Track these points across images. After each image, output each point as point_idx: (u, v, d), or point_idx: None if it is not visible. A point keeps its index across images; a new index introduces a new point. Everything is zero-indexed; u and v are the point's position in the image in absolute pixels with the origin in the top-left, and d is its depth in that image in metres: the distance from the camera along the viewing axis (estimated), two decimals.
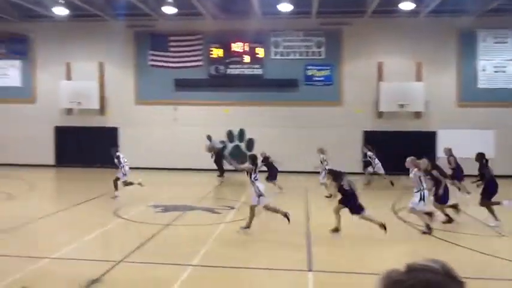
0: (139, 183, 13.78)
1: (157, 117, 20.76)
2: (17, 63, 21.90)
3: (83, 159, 20.78)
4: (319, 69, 20.25)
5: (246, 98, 20.28)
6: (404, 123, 19.79)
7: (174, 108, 20.65)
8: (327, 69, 20.23)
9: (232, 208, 12.46)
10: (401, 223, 10.74)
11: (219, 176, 18.04)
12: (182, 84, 20.53)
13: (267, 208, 9.84)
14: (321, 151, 14.87)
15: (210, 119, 20.50)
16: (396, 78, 19.53)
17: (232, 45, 20.40)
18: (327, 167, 13.39)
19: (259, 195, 9.65)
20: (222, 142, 19.50)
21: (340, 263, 7.90)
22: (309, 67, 20.26)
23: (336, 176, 9.75)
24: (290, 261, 7.81)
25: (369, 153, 16.33)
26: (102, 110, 21.20)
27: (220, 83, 20.39)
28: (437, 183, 10.44)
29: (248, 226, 9.71)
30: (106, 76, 21.29)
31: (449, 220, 10.51)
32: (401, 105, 19.28)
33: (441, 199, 10.44)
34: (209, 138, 18.74)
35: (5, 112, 21.63)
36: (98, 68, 21.25)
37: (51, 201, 14.65)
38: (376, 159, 16.14)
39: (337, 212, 9.54)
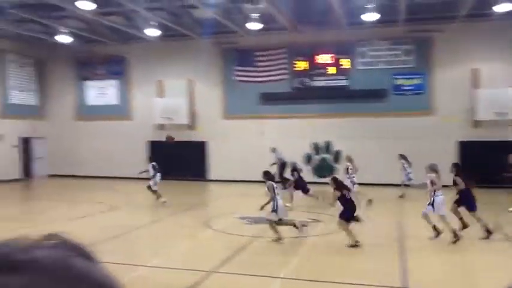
0: (164, 202, 14.46)
1: (244, 131, 21.16)
2: (115, 82, 23.55)
3: (174, 172, 21.67)
4: (408, 78, 19.55)
5: (332, 110, 20.07)
6: (504, 133, 18.42)
7: (260, 123, 20.88)
8: (417, 77, 19.47)
9: (319, 221, 12.30)
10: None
11: (283, 188, 18.03)
12: (268, 98, 20.79)
13: (271, 224, 9.73)
14: (348, 159, 14.74)
15: (295, 132, 20.52)
16: (493, 85, 18.30)
17: (317, 57, 20.35)
18: (353, 176, 13.67)
19: (273, 210, 9.61)
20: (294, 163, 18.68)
21: (437, 278, 7.47)
22: (397, 76, 19.62)
23: (338, 184, 9.81)
24: (381, 275, 7.52)
25: (402, 161, 15.94)
26: (191, 125, 22.06)
27: (305, 95, 20.38)
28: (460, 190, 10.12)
29: (279, 238, 9.58)
30: (195, 92, 22.17)
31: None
32: (500, 114, 17.99)
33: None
34: (273, 150, 18.79)
35: (105, 128, 23.28)
36: (188, 85, 22.19)
37: (146, 212, 15.39)
38: (408, 169, 15.54)
39: (455, 211, 9.85)
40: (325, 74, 20.31)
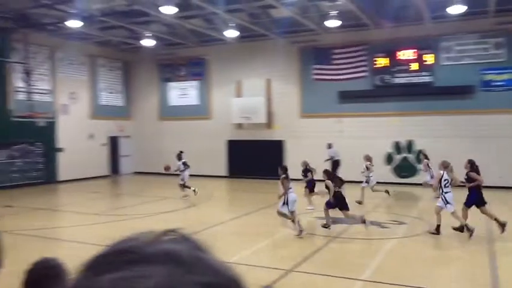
0: (194, 191, 15.84)
1: (322, 130, 20.95)
2: (196, 83, 24.32)
3: (251, 170, 21.96)
4: (498, 73, 18.29)
5: (414, 108, 19.29)
6: None
7: (338, 121, 20.64)
8: (508, 72, 18.17)
9: (403, 223, 11.86)
10: None
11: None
12: (346, 96, 20.42)
13: (281, 214, 10.69)
14: (367, 158, 15.25)
15: (375, 131, 19.98)
16: None
17: (398, 53, 19.64)
18: (370, 175, 14.71)
19: (284, 203, 10.47)
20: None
21: None
22: (486, 71, 18.42)
23: (330, 176, 11.10)
24: (472, 283, 7.10)
25: (425, 161, 16.05)
26: (269, 124, 22.23)
27: (386, 93, 19.75)
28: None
29: (301, 231, 10.17)
30: (272, 92, 22.31)
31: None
32: None
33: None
34: (329, 146, 18.85)
35: (186, 128, 24.12)
36: (265, 85, 22.38)
37: (226, 209, 15.74)
38: (431, 169, 15.22)
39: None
40: (407, 71, 19.56)
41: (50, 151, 21.15)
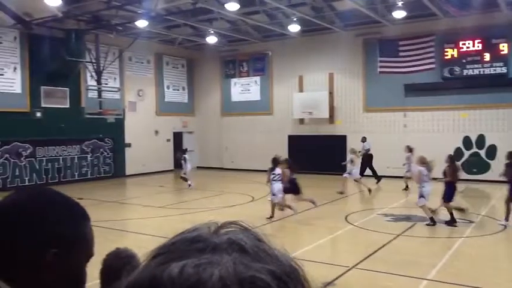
0: (190, 186, 17.36)
1: (386, 124, 20.38)
2: (258, 79, 24.42)
3: (313, 166, 21.72)
4: None
5: (487, 101, 18.23)
6: None
7: (403, 115, 19.99)
8: None
9: (471, 222, 11.26)
10: None
11: (377, 182, 17.86)
12: (412, 89, 19.68)
13: (278, 204, 11.75)
14: (352, 151, 16.18)
15: (443, 125, 19.14)
16: None
17: (469, 43, 18.64)
18: (354, 168, 15.75)
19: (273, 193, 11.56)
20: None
21: None
22: None
23: (289, 165, 12.17)
24: None
25: (407, 154, 16.20)
26: (331, 119, 21.91)
27: (456, 85, 18.78)
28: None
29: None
30: (335, 86, 21.95)
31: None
32: None
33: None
34: (364, 140, 18.83)
35: (248, 123, 24.31)
36: (328, 79, 22.06)
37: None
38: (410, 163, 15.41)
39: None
40: (478, 62, 18.50)
41: (118, 146, 22.08)
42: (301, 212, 12.02)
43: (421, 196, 10.60)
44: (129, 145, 22.49)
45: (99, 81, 20.58)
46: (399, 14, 17.44)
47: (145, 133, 23.25)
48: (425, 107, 19.50)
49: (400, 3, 16.83)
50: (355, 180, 16.08)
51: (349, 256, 8.47)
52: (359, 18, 19.15)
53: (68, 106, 20.05)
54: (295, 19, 19.15)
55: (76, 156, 20.48)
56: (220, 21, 20.48)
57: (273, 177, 11.52)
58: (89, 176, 20.82)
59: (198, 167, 25.75)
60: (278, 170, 11.59)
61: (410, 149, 16.00)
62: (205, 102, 26.36)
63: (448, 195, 10.73)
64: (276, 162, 11.83)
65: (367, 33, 20.65)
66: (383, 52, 20.38)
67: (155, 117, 24.12)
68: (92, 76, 20.61)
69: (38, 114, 18.90)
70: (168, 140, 24.83)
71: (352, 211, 12.87)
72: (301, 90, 22.73)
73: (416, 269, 7.48)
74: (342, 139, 21.38)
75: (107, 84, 21.28)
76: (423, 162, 10.87)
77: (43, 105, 19.12)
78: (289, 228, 11.25)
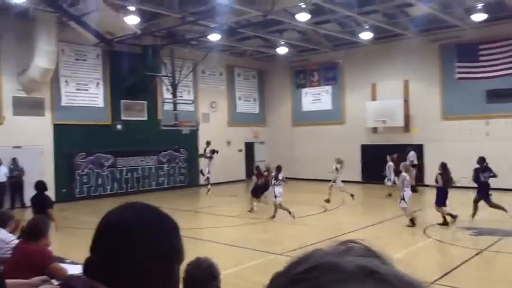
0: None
1: (466, 133, 19.35)
2: (329, 88, 24.20)
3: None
4: None
5: None
6: None
7: (486, 123, 18.90)
8: None
9: None
10: None
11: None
12: (495, 95, 18.57)
13: (279, 207, 13.09)
14: (338, 161, 16.64)
15: None
16: None
17: None
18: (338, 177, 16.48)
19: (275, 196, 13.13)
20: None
21: None
22: None
23: (258, 172, 15.39)
24: None
25: (390, 163, 16.85)
26: (406, 127, 21.18)
27: None
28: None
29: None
30: (410, 93, 21.23)
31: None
32: None
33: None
34: (409, 150, 18.99)
35: (319, 133, 24.09)
36: (403, 86, 21.39)
37: (361, 215, 15.30)
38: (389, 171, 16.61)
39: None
40: None
41: (193, 157, 22.70)
42: (373, 224, 11.64)
43: (403, 199, 11.77)
44: (203, 156, 22.96)
45: (174, 94, 21.34)
46: (479, 17, 16.61)
47: (218, 144, 23.69)
48: (510, 114, 18.32)
49: (479, 6, 16.03)
50: (340, 189, 16.48)
51: (428, 271, 8.08)
52: (434, 23, 18.49)
53: (145, 118, 21.00)
54: (367, 26, 18.82)
55: (153, 166, 21.35)
56: (291, 31, 20.57)
57: (275, 183, 13.35)
58: (166, 186, 21.60)
59: None
60: (280, 176, 13.41)
61: (339, 161, 16.74)
62: (276, 113, 26.50)
63: (440, 200, 11.74)
64: (279, 169, 13.62)
65: (443, 38, 19.83)
66: (461, 57, 19.45)
67: (227, 128, 24.60)
68: (167, 89, 21.42)
69: (119, 127, 19.95)
70: (240, 150, 25.19)
71: (430, 224, 12.29)
72: (374, 99, 22.21)
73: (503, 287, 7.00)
74: (419, 148, 20.56)
75: (181, 96, 22.03)
76: (406, 169, 12.45)
77: (123, 118, 20.17)
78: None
